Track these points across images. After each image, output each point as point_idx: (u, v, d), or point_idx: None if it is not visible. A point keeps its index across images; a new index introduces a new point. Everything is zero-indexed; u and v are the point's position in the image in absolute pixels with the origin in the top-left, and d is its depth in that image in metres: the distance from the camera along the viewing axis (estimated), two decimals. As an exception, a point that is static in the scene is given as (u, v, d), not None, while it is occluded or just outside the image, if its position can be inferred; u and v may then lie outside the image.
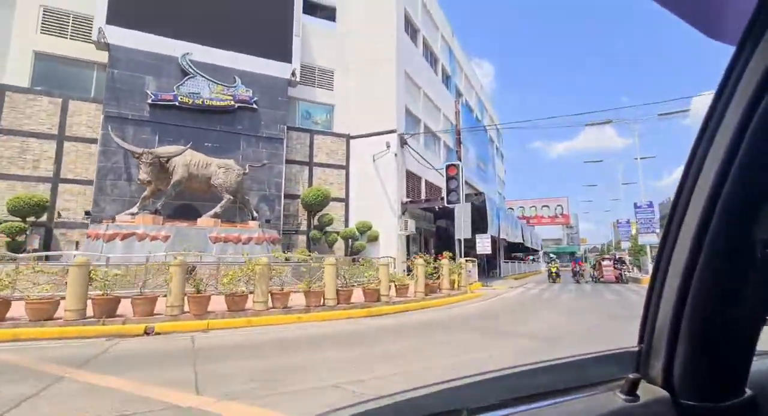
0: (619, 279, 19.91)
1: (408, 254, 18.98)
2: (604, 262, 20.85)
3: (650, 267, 21.92)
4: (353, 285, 9.22)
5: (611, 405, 0.58)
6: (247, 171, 14.75)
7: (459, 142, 27.80)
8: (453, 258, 13.56)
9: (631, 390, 0.60)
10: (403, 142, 18.69)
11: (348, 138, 19.18)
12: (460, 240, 14.54)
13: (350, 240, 17.40)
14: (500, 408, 0.56)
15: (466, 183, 28.14)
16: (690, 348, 0.61)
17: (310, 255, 11.29)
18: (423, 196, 21.29)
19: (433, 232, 22.75)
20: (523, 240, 27.65)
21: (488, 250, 16.56)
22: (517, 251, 34.43)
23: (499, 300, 11.90)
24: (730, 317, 0.60)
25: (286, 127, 16.85)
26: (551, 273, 21.42)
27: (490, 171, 35.84)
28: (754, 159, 0.56)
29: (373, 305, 8.66)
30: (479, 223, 17.26)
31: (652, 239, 20.48)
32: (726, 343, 0.61)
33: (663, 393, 0.61)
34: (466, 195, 17.81)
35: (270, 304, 7.58)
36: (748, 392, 0.62)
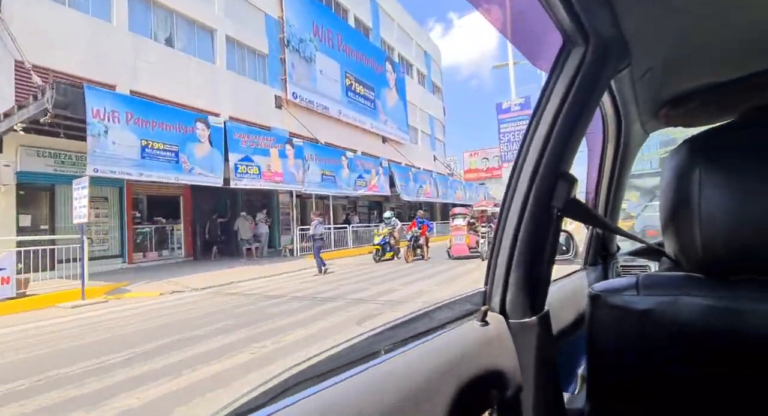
0: (478, 252, 10.66)
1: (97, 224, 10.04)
2: (454, 222, 11.40)
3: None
4: None
5: (472, 330, 0.79)
6: None
7: (285, 44, 17.72)
8: None
9: (483, 318, 0.80)
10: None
11: None
12: None
13: None
14: (405, 344, 0.68)
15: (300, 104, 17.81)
16: (515, 283, 0.85)
17: None
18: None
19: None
20: (395, 193, 18.21)
21: (83, 219, 7.29)
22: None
23: None
24: (537, 260, 0.86)
25: None
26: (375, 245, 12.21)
27: (385, 101, 25.52)
28: (554, 156, 0.83)
29: None
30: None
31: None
32: (535, 278, 0.86)
33: (500, 316, 0.85)
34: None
35: None
36: (546, 308, 0.89)
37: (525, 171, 0.85)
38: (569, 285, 1.35)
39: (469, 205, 28.32)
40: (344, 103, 21.23)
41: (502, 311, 0.86)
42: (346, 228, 16.45)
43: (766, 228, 0.63)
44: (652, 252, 1.46)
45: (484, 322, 0.79)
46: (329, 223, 16.03)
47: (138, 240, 12.05)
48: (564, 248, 1.62)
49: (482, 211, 11.96)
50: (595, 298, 0.80)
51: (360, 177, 15.92)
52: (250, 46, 16.39)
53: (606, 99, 1.18)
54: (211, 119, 10.01)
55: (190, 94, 13.07)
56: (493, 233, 0.92)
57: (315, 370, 0.57)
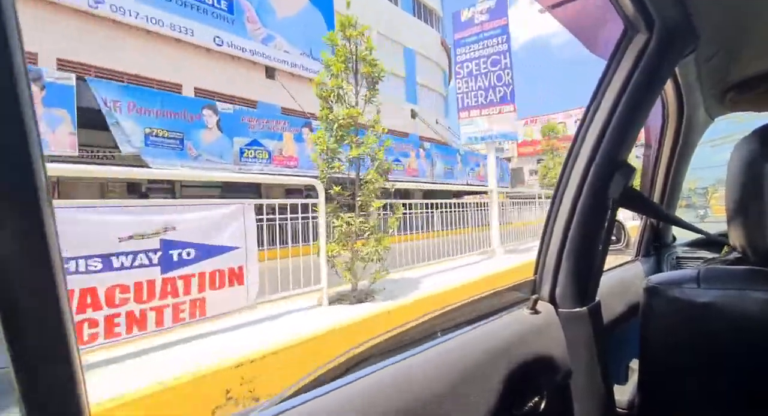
0: None
1: None
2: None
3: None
4: None
5: (522, 318, 0.80)
6: None
7: None
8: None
9: (533, 306, 0.82)
10: None
11: None
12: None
13: None
14: (459, 328, 0.72)
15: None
16: (565, 273, 0.85)
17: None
18: None
19: None
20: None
21: None
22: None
23: None
24: (589, 250, 0.85)
25: None
26: None
27: (270, 6, 15.24)
28: (612, 145, 0.80)
29: None
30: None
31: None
32: (586, 269, 0.85)
33: (550, 306, 0.86)
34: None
35: None
36: (597, 298, 0.88)
37: (580, 159, 0.84)
38: (620, 275, 1.33)
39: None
40: None
41: (552, 300, 0.88)
42: None
43: None
44: (713, 243, 1.46)
45: (534, 311, 0.82)
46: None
47: None
48: (614, 237, 1.50)
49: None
50: (651, 290, 0.80)
51: None
52: None
53: (668, 83, 1.14)
54: None
55: None
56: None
57: (383, 347, 0.66)
